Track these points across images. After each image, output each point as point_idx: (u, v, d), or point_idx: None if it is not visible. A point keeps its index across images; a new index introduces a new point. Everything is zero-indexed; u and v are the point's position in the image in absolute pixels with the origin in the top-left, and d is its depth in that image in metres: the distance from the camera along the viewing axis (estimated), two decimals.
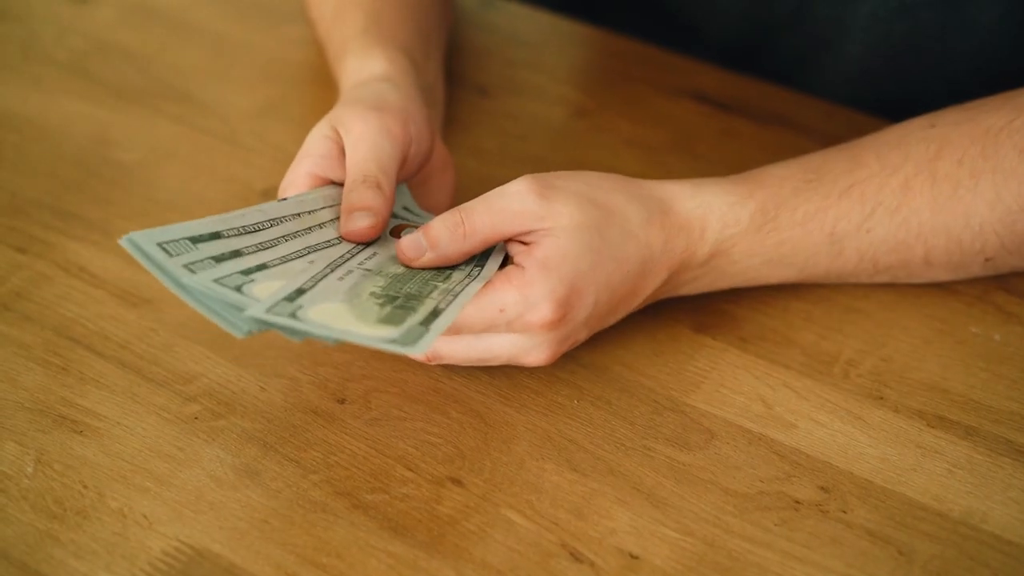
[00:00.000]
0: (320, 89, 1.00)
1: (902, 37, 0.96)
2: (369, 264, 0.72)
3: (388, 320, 0.66)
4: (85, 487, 0.71)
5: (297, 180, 0.77)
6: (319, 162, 0.77)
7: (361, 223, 0.74)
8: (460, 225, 0.72)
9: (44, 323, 0.80)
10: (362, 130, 0.77)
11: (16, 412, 0.74)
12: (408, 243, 0.73)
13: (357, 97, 0.81)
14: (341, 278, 0.70)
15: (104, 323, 0.80)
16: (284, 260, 0.71)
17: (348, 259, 0.72)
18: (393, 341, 0.63)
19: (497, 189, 0.74)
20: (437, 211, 0.83)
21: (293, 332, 0.65)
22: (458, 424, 0.75)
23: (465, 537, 0.69)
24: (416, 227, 0.76)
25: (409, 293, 0.69)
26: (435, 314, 0.66)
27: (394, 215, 0.79)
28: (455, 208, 0.73)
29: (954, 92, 0.86)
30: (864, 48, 0.98)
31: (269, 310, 0.65)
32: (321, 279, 0.69)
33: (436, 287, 0.70)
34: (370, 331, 0.65)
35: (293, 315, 0.65)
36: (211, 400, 0.76)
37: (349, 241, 0.75)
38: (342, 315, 0.66)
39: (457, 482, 0.72)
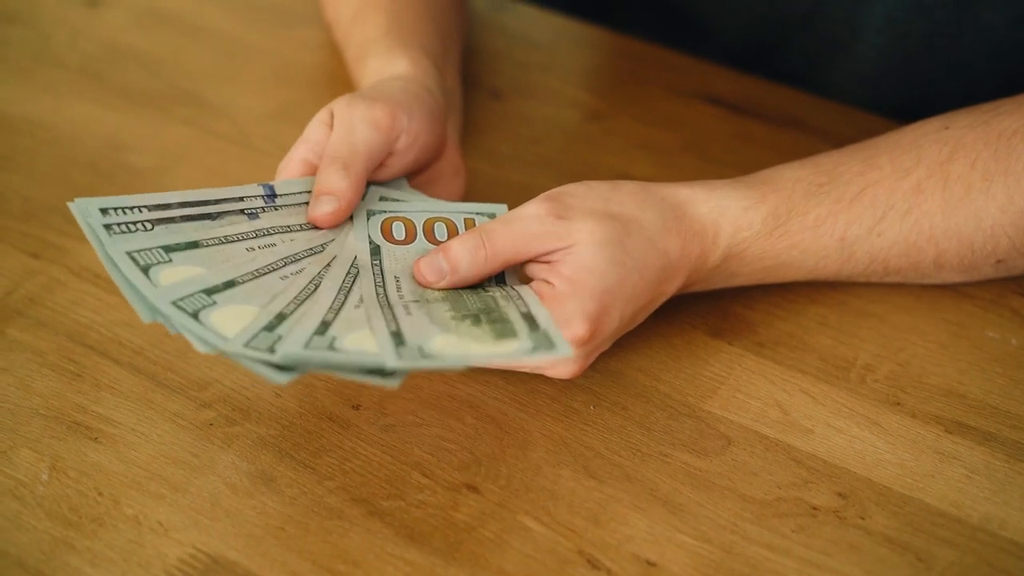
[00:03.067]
0: (332, 92, 0.99)
1: (917, 39, 0.96)
2: (407, 293, 0.72)
3: (503, 335, 0.67)
4: (100, 494, 0.71)
5: (291, 165, 0.78)
6: (313, 148, 0.78)
7: (324, 208, 0.75)
8: (481, 248, 0.72)
9: (58, 329, 0.80)
10: (344, 114, 0.78)
11: (31, 419, 0.74)
12: (428, 266, 0.73)
13: (361, 89, 0.81)
14: (410, 313, 0.69)
15: (118, 329, 0.80)
16: (299, 299, 0.71)
17: (381, 290, 0.72)
18: (534, 350, 0.65)
19: (514, 211, 0.74)
20: None
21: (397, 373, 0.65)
22: (474, 430, 0.75)
23: (482, 544, 0.69)
24: (401, 220, 0.76)
25: (480, 309, 0.70)
26: (531, 317, 0.68)
27: (381, 211, 0.78)
28: (474, 229, 0.73)
29: (969, 94, 0.86)
30: (878, 50, 0.98)
31: (400, 359, 0.64)
32: (394, 314, 0.69)
33: (495, 298, 0.71)
34: (503, 348, 0.66)
35: (423, 354, 0.65)
36: (226, 406, 0.75)
37: (314, 225, 0.76)
38: (463, 343, 0.67)
39: (473, 489, 0.72)
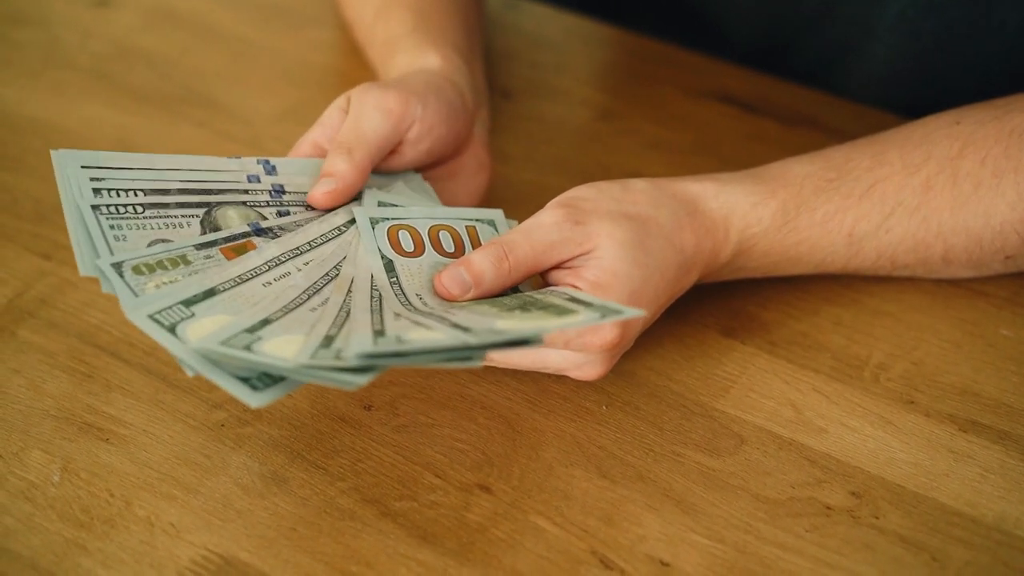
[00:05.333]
0: (342, 92, 0.99)
1: (930, 37, 0.96)
2: (436, 307, 0.71)
3: (562, 313, 0.66)
4: (112, 495, 0.71)
5: (302, 147, 0.79)
6: (325, 131, 0.79)
7: (321, 188, 0.76)
8: (504, 260, 0.72)
9: (69, 330, 0.80)
10: (358, 101, 0.78)
11: (42, 420, 0.74)
12: (451, 279, 0.72)
13: (382, 79, 0.81)
14: (454, 314, 0.68)
15: (129, 330, 0.80)
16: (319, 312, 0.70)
17: (411, 307, 0.71)
18: (603, 317, 0.65)
19: (530, 220, 0.73)
20: None
21: (479, 349, 0.64)
22: (486, 430, 0.75)
23: (495, 545, 0.69)
24: (406, 228, 0.76)
25: (523, 303, 0.69)
26: (578, 300, 0.68)
27: (383, 218, 0.77)
28: (493, 241, 0.72)
29: (982, 93, 0.85)
30: (891, 48, 0.98)
31: (478, 337, 0.64)
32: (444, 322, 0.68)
33: (531, 295, 0.71)
34: (570, 320, 0.65)
35: (495, 332, 0.64)
36: (237, 407, 0.75)
37: (314, 206, 0.76)
38: (531, 323, 0.66)
39: (486, 489, 0.71)
